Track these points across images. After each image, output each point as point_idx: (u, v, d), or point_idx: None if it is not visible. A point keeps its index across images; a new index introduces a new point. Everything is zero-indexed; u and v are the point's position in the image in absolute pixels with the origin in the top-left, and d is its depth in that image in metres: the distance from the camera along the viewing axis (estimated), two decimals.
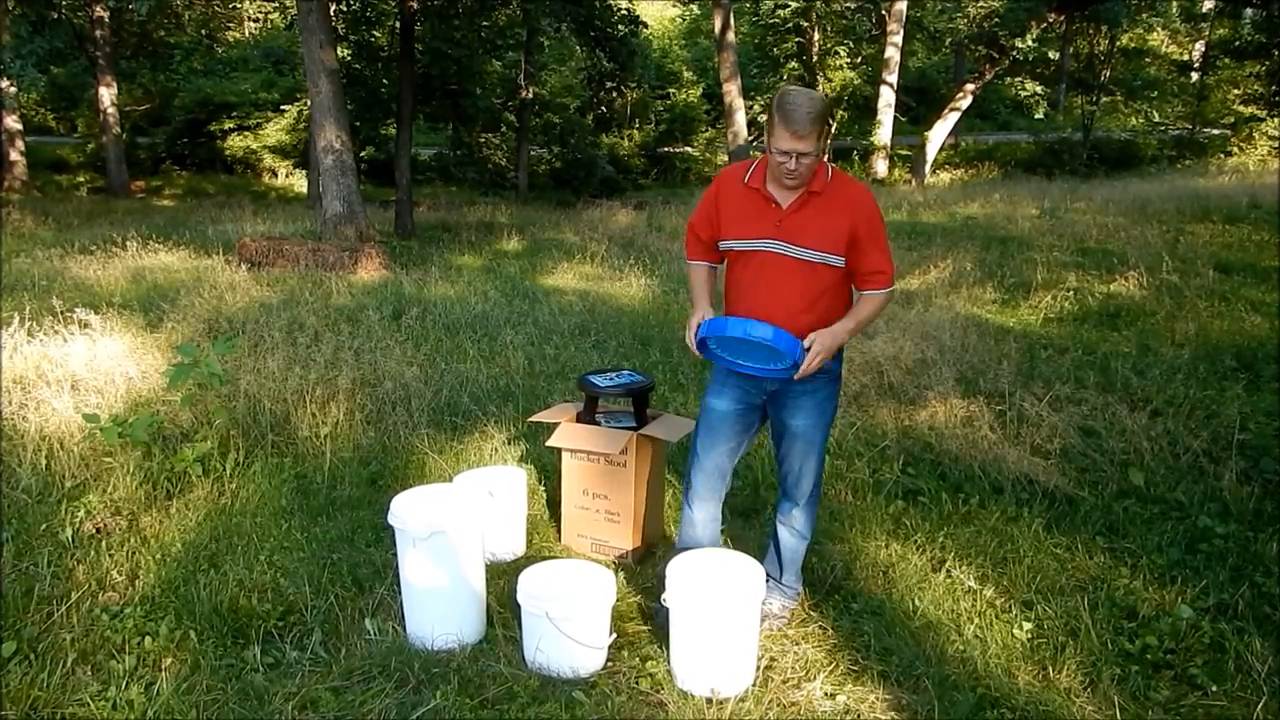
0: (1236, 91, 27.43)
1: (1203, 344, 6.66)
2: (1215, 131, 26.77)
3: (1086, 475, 4.58)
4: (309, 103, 12.34)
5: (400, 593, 3.37)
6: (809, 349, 2.96)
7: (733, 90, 21.43)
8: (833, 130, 25.71)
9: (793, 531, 3.40)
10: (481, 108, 19.41)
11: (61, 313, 6.53)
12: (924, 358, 6.26)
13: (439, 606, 3.23)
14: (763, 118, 26.97)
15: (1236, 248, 10.38)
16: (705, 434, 3.31)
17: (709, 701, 2.89)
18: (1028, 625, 3.31)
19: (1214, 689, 2.96)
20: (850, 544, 3.92)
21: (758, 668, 3.04)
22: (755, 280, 3.07)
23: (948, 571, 3.70)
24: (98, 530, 4.02)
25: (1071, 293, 8.38)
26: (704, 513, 3.39)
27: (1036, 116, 27.83)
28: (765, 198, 3.01)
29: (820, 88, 25.51)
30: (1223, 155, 24.65)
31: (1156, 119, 25.61)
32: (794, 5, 24.79)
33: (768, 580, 3.29)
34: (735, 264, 3.15)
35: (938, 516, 4.20)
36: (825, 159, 2.98)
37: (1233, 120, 26.66)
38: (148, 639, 3.19)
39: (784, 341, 2.90)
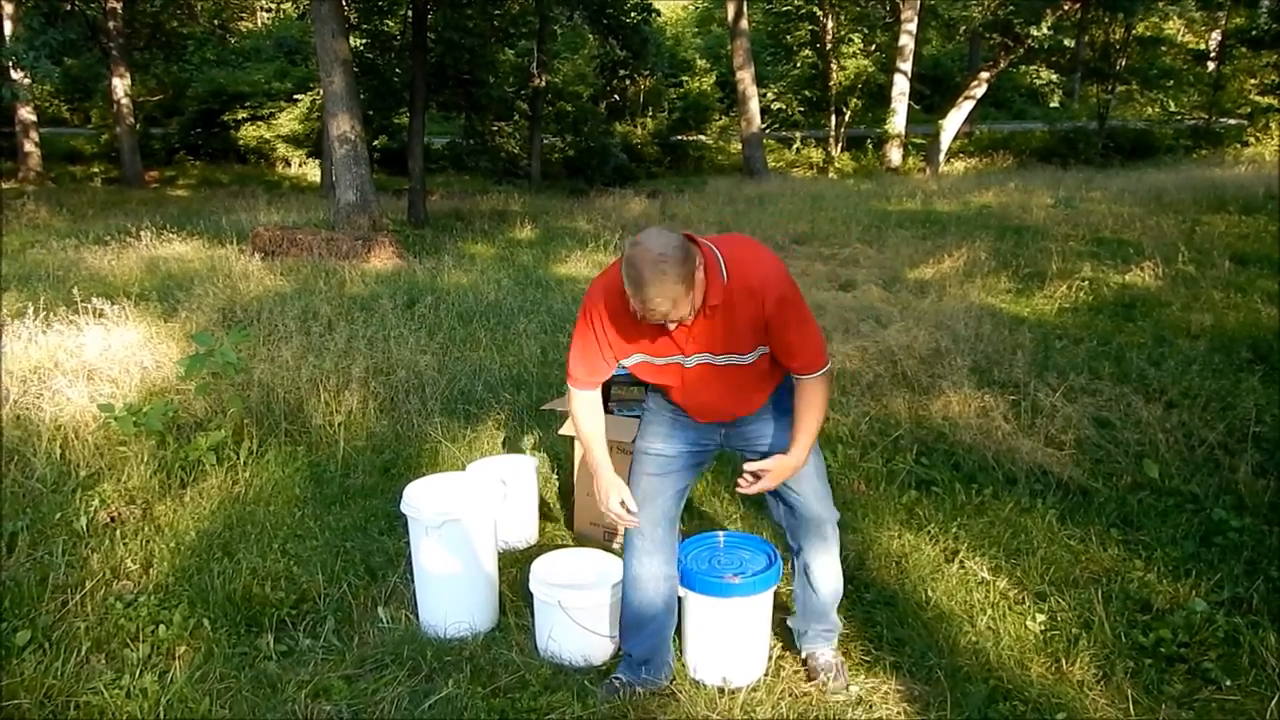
0: (1253, 81, 27.16)
1: (1218, 335, 6.60)
2: (1232, 121, 26.51)
3: (1101, 467, 4.56)
4: (322, 92, 12.35)
5: (413, 581, 3.38)
6: (761, 476, 2.70)
7: (746, 78, 21.37)
8: (846, 119, 25.62)
9: (824, 581, 2.96)
10: (494, 96, 19.38)
11: (78, 303, 6.56)
12: (938, 347, 6.23)
13: (452, 595, 3.24)
14: (776, 105, 26.91)
15: (1253, 239, 10.28)
16: (646, 480, 2.85)
17: (720, 692, 2.89)
18: (1041, 617, 3.30)
19: (1228, 683, 2.94)
20: (863, 534, 3.91)
21: (769, 658, 3.04)
22: (686, 385, 2.70)
23: (961, 562, 3.68)
24: (112, 519, 4.05)
25: (1086, 283, 8.32)
26: (652, 568, 2.87)
27: (1052, 105, 27.64)
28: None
29: (833, 76, 25.41)
30: (1239, 145, 24.39)
31: (1172, 108, 25.37)
32: None
33: (805, 632, 3.02)
34: (655, 375, 2.72)
35: (951, 507, 4.19)
36: (716, 259, 2.51)
37: (1249, 110, 26.40)
38: (161, 627, 3.22)
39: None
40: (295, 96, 24.99)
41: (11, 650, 3.06)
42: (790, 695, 2.91)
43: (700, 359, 2.63)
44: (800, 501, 2.85)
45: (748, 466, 2.75)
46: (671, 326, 2.51)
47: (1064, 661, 3.05)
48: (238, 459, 4.53)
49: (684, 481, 2.91)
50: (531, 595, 3.15)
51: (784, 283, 2.56)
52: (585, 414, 2.80)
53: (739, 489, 2.78)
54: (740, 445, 2.90)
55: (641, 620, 2.92)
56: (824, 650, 2.98)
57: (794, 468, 2.72)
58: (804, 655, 2.99)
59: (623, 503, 2.75)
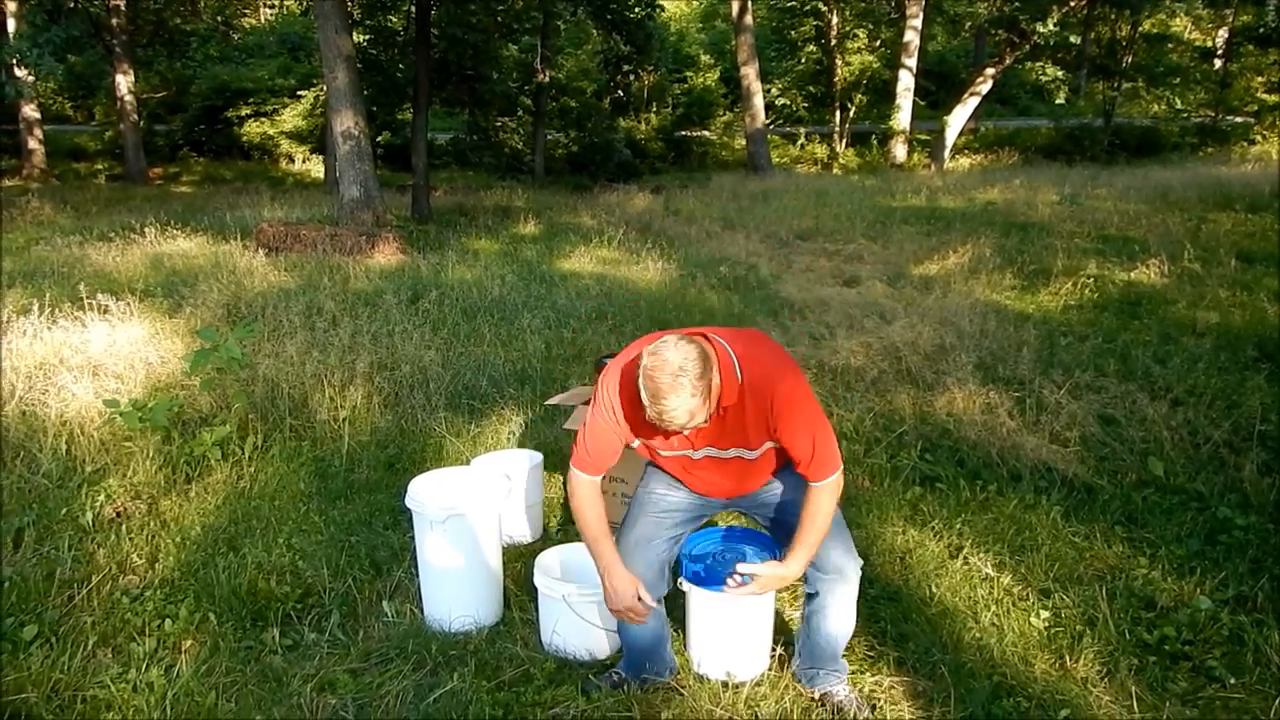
0: (1260, 79, 27.05)
1: (1224, 333, 6.59)
2: (1238, 119, 26.42)
3: (1106, 464, 4.55)
4: (325, 89, 12.35)
5: (418, 575, 3.39)
6: (752, 578, 2.66)
7: (750, 74, 21.34)
8: (851, 115, 25.59)
9: (840, 623, 2.82)
10: (498, 92, 19.37)
11: (83, 299, 6.58)
12: (943, 344, 6.23)
13: (456, 589, 3.25)
14: (780, 101, 26.87)
15: (1259, 237, 10.24)
16: (644, 521, 2.81)
17: (725, 686, 2.90)
18: (1045, 614, 3.30)
19: (1232, 681, 2.94)
20: (867, 529, 3.91)
21: (773, 653, 3.04)
22: (689, 474, 2.73)
23: (965, 558, 3.68)
24: (118, 514, 4.06)
25: (1092, 280, 8.31)
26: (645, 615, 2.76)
27: (1057, 102, 27.53)
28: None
29: (838, 71, 25.37)
30: (1246, 143, 24.31)
31: (1179, 106, 25.29)
32: None
33: (816, 674, 2.89)
34: (661, 462, 2.76)
35: (955, 503, 4.19)
36: (730, 360, 2.48)
37: (1256, 108, 26.30)
38: (167, 621, 3.23)
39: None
40: (299, 93, 24.99)
41: (19, 645, 3.07)
42: (794, 690, 2.91)
43: (707, 452, 2.63)
44: (822, 552, 2.70)
45: (741, 568, 2.71)
46: (685, 433, 2.48)
47: (1068, 658, 3.05)
48: (243, 454, 4.54)
49: (681, 530, 2.85)
50: (536, 590, 3.16)
51: (792, 382, 2.53)
52: (591, 503, 2.70)
53: (725, 589, 2.72)
54: (746, 506, 2.88)
55: (638, 646, 2.91)
56: (838, 689, 2.87)
57: (787, 580, 2.66)
58: (817, 695, 2.89)
59: (639, 596, 2.68)
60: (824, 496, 2.58)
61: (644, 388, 2.34)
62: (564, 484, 4.37)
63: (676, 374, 2.30)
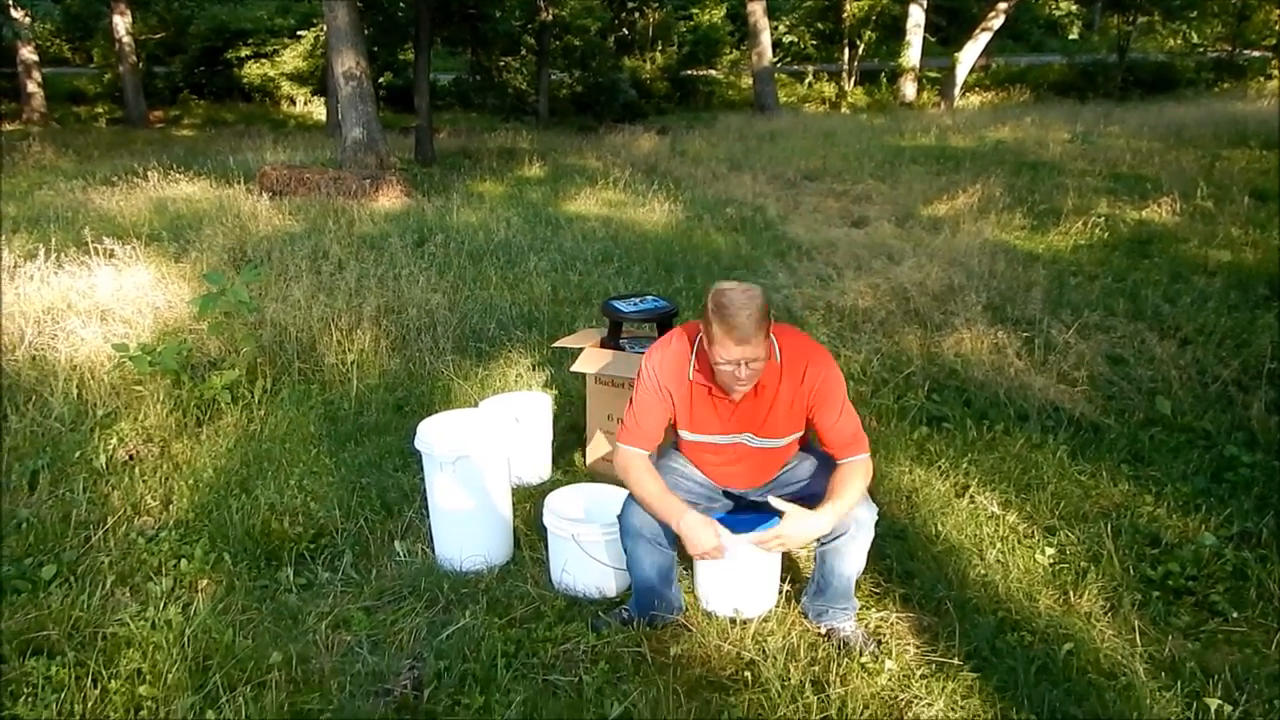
0: (1279, 12, 26.51)
1: (1235, 272, 6.55)
2: (1256, 54, 25.94)
3: (1113, 403, 4.56)
4: (325, 28, 12.18)
5: (428, 516, 3.42)
6: (782, 516, 2.70)
7: (757, 10, 20.96)
8: (860, 52, 25.20)
9: (852, 562, 2.85)
10: (501, 31, 19.03)
11: (89, 244, 6.57)
12: (951, 284, 6.20)
13: (467, 529, 3.28)
14: (788, 38, 26.44)
15: (1274, 174, 10.12)
16: (665, 478, 2.88)
17: (732, 622, 2.94)
18: (1050, 551, 3.33)
19: (1234, 615, 2.97)
20: (874, 469, 3.92)
21: (780, 590, 3.08)
22: (717, 462, 2.91)
23: (971, 497, 3.71)
24: (130, 457, 4.10)
25: (1103, 219, 8.24)
26: (654, 556, 2.88)
27: (1070, 37, 27.10)
28: (716, 394, 2.74)
29: (847, 7, 24.91)
30: (1263, 79, 23.90)
31: (1195, 40, 24.83)
32: None
33: (825, 611, 2.93)
34: (693, 448, 2.93)
35: (962, 443, 4.20)
36: (771, 343, 2.67)
37: (1275, 41, 25.80)
38: (183, 561, 3.28)
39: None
40: (298, 33, 24.64)
41: (38, 584, 3.13)
42: (800, 626, 2.96)
43: (738, 439, 2.80)
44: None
45: (773, 501, 2.74)
46: (740, 382, 2.61)
47: (1072, 594, 3.09)
48: (252, 398, 4.57)
49: (695, 502, 2.87)
50: (545, 530, 3.19)
51: (831, 365, 2.76)
52: (647, 471, 2.79)
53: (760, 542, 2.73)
54: (759, 496, 2.95)
55: (647, 584, 2.93)
56: (845, 625, 2.91)
57: (812, 534, 2.69)
58: (823, 630, 2.93)
59: (717, 534, 2.71)
60: (857, 472, 2.73)
61: (717, 310, 2.53)
62: (571, 427, 4.40)
63: (748, 292, 2.55)
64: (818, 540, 2.81)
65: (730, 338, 2.51)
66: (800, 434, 2.83)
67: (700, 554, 2.72)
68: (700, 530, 2.68)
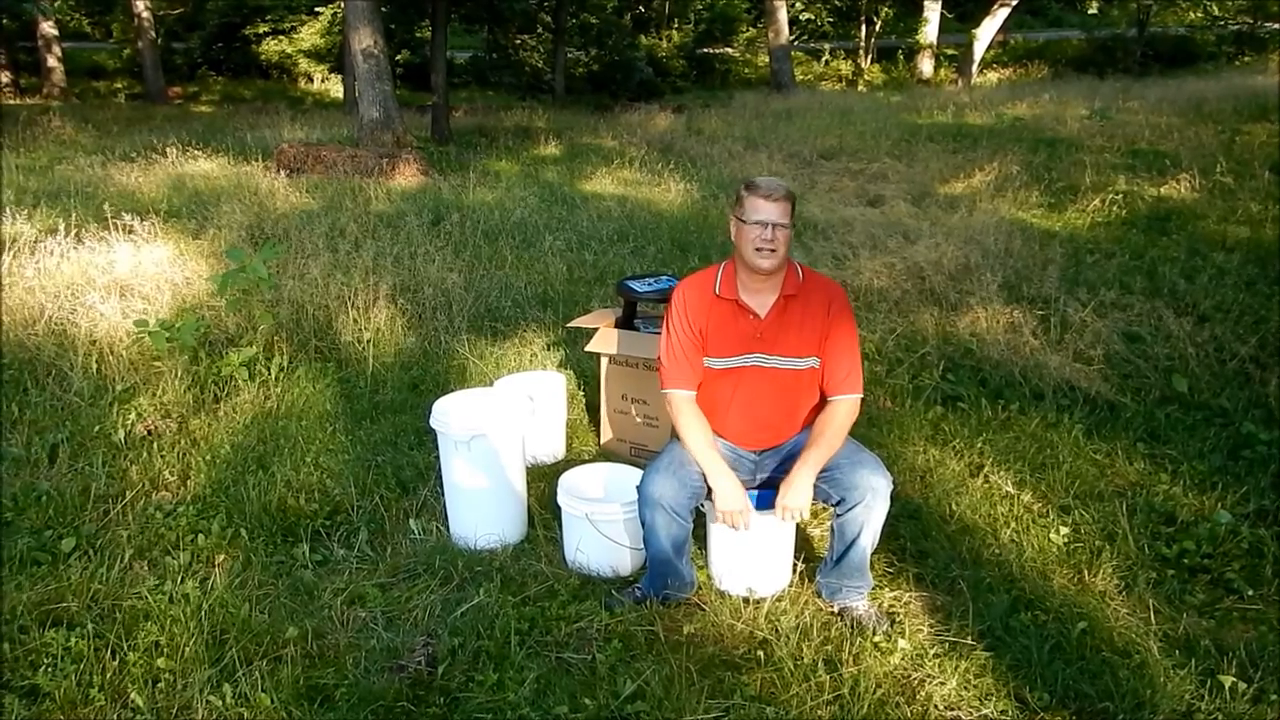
0: None
1: (1254, 249, 6.48)
2: (1277, 26, 25.51)
3: (1129, 381, 4.53)
4: (343, 5, 12.15)
5: (443, 494, 3.44)
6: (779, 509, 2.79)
7: None
8: (877, 29, 24.95)
9: (867, 536, 2.83)
10: (517, 9, 18.95)
11: (108, 219, 6.60)
12: (967, 263, 6.17)
13: (481, 507, 3.30)
14: (805, 15, 26.21)
15: None
16: (682, 451, 2.90)
17: (746, 601, 2.95)
18: (1065, 530, 3.32)
19: (1250, 593, 2.97)
20: (888, 449, 3.93)
21: (794, 569, 3.09)
22: (732, 396, 2.91)
23: (985, 477, 3.70)
24: (149, 432, 4.13)
25: (1120, 196, 8.16)
26: (672, 528, 2.87)
27: (1089, 12, 26.63)
28: (741, 308, 2.84)
29: None
30: None
31: (1216, 13, 24.40)
32: None
33: (839, 589, 2.93)
34: (709, 381, 2.93)
35: (977, 422, 4.19)
36: (794, 264, 2.88)
37: None
38: (200, 536, 3.31)
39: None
40: (316, 10, 24.61)
41: (58, 556, 3.17)
42: (814, 605, 2.96)
43: (760, 358, 2.85)
44: (852, 475, 2.78)
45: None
46: (768, 244, 2.71)
47: (1086, 573, 3.08)
48: (269, 375, 4.59)
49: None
50: (559, 509, 3.20)
51: (848, 303, 2.91)
52: (693, 415, 2.89)
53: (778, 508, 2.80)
54: (772, 465, 3.00)
55: (661, 561, 2.93)
56: (858, 603, 2.91)
57: (806, 488, 2.77)
58: (837, 609, 2.94)
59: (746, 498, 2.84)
60: (842, 410, 2.84)
61: (746, 187, 2.78)
62: (585, 406, 4.41)
63: (774, 175, 2.66)
64: (834, 511, 2.83)
65: (759, 196, 2.73)
66: (813, 359, 2.84)
67: (728, 512, 2.80)
68: (734, 489, 2.80)
